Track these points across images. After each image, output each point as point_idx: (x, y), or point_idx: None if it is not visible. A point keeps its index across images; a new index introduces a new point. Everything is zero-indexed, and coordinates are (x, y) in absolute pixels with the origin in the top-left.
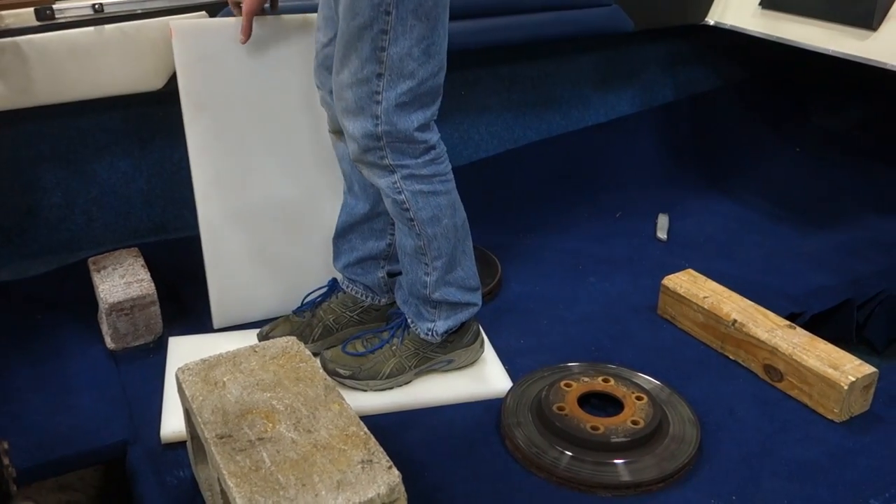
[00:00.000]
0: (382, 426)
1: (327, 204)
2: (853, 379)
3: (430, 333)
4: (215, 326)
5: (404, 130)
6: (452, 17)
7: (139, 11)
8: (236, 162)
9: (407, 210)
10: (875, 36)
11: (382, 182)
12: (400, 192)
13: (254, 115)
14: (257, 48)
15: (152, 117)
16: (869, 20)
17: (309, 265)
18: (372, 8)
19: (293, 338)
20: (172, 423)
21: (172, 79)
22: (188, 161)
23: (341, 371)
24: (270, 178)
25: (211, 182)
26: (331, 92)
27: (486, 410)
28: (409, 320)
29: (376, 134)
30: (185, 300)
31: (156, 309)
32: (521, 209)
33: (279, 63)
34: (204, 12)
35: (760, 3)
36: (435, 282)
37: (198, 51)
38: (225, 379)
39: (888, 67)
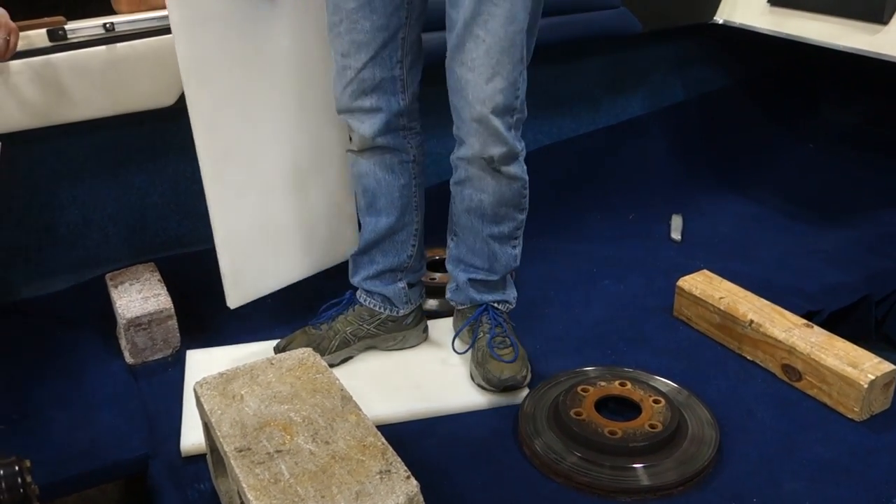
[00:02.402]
0: (400, 435)
1: (333, 167)
2: (873, 377)
3: (514, 301)
4: (230, 306)
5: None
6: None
7: (150, 29)
8: (242, 130)
9: (525, 188)
10: (886, 30)
11: (516, 169)
12: (525, 173)
13: (256, 80)
14: (256, 7)
15: (165, 133)
16: (879, 15)
17: (318, 230)
18: (524, 10)
19: (309, 349)
20: (192, 437)
21: (183, 95)
22: (201, 172)
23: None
24: (276, 146)
25: (218, 158)
26: (369, 111)
27: (504, 417)
28: (495, 303)
29: (514, 125)
30: (201, 313)
31: (173, 323)
32: (534, 213)
33: (277, 21)
34: None
35: (769, 1)
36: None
37: (196, 12)
38: (243, 392)
39: None
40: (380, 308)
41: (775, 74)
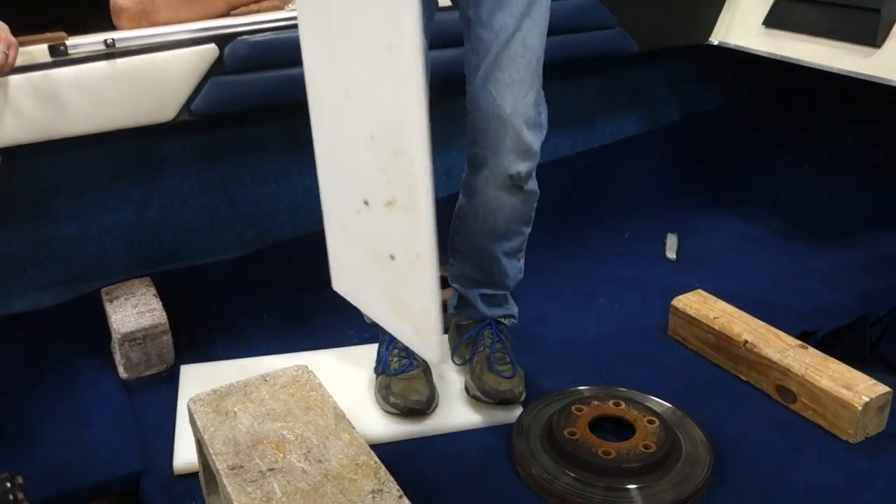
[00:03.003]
0: (393, 454)
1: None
2: (867, 399)
3: (517, 315)
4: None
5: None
6: (459, 44)
7: (150, 45)
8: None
9: (536, 201)
10: (879, 53)
11: (534, 184)
12: (538, 187)
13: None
14: None
15: (163, 148)
16: (872, 38)
17: None
18: (547, 24)
19: (304, 366)
20: (185, 454)
21: (182, 110)
22: (198, 190)
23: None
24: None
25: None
26: None
27: (497, 436)
28: (502, 318)
29: (539, 140)
30: (196, 329)
31: (168, 338)
32: (532, 231)
33: None
34: (214, 44)
35: (764, 22)
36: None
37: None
38: (236, 409)
39: (893, 84)
40: None
41: (770, 95)
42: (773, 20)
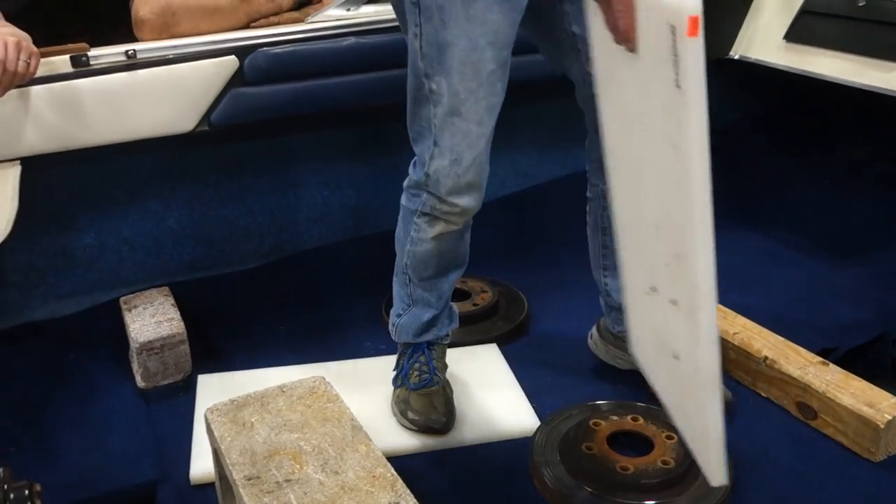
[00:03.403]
0: (410, 467)
1: None
2: (890, 417)
3: None
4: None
5: None
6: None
7: (171, 56)
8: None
9: None
10: None
11: None
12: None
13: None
14: None
15: (183, 158)
16: (895, 53)
17: None
18: None
19: (321, 377)
20: (202, 464)
21: (202, 121)
22: (217, 201)
23: None
24: None
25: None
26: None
27: (515, 450)
28: None
29: None
30: (213, 338)
31: (185, 348)
32: (547, 245)
33: None
34: (234, 56)
35: (785, 37)
36: None
37: None
38: (253, 420)
39: None
40: (447, 338)
41: (790, 110)
42: (795, 35)
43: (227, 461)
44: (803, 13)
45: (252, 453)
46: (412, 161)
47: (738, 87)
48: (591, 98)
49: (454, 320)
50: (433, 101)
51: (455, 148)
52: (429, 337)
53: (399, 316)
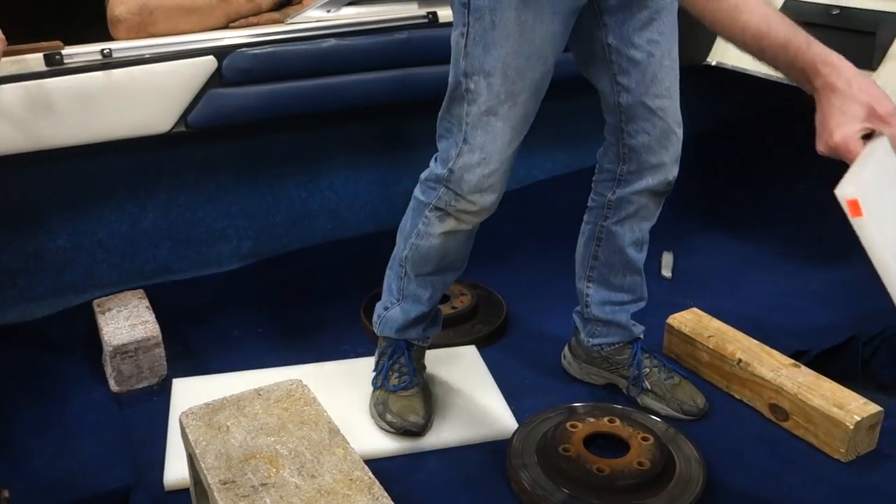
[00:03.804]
0: (387, 470)
1: None
2: (859, 418)
3: None
4: None
5: None
6: None
7: (147, 56)
8: None
9: None
10: (874, 76)
11: None
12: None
13: None
14: None
15: (159, 159)
16: (868, 61)
17: None
18: None
19: (298, 380)
20: (176, 468)
21: (179, 121)
22: (193, 203)
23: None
24: None
25: None
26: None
27: (492, 452)
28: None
29: None
30: (189, 341)
31: (160, 351)
32: (527, 248)
33: None
34: (212, 56)
35: None
36: None
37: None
38: (229, 423)
39: None
40: (426, 341)
41: (767, 116)
42: None
43: (202, 465)
44: None
45: (227, 457)
46: (434, 156)
47: (715, 94)
48: (616, 108)
49: (438, 324)
50: (468, 100)
51: (486, 147)
52: (411, 335)
53: (387, 309)
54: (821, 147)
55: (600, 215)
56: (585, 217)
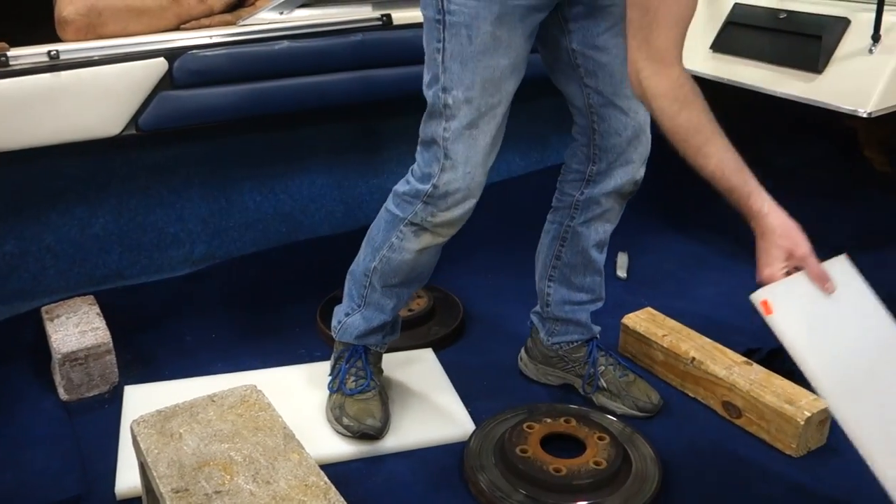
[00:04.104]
0: (344, 474)
1: None
2: (809, 414)
3: None
4: None
5: None
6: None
7: (96, 58)
8: None
9: None
10: (820, 78)
11: None
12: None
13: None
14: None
15: (109, 163)
16: (814, 64)
17: None
18: None
19: (252, 385)
20: (127, 478)
21: (129, 124)
22: (145, 207)
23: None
24: None
25: None
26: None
27: (450, 454)
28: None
29: None
30: (142, 348)
31: (111, 358)
32: (483, 250)
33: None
34: (163, 58)
35: (711, 47)
36: None
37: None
38: (181, 430)
39: (833, 108)
40: (384, 346)
41: (719, 118)
42: (721, 45)
43: (154, 474)
44: (728, 24)
45: (180, 465)
46: (410, 170)
47: None
48: (587, 110)
49: (397, 331)
50: (447, 115)
51: (470, 160)
52: (371, 341)
53: (347, 315)
54: (757, 278)
55: (567, 215)
56: (550, 217)
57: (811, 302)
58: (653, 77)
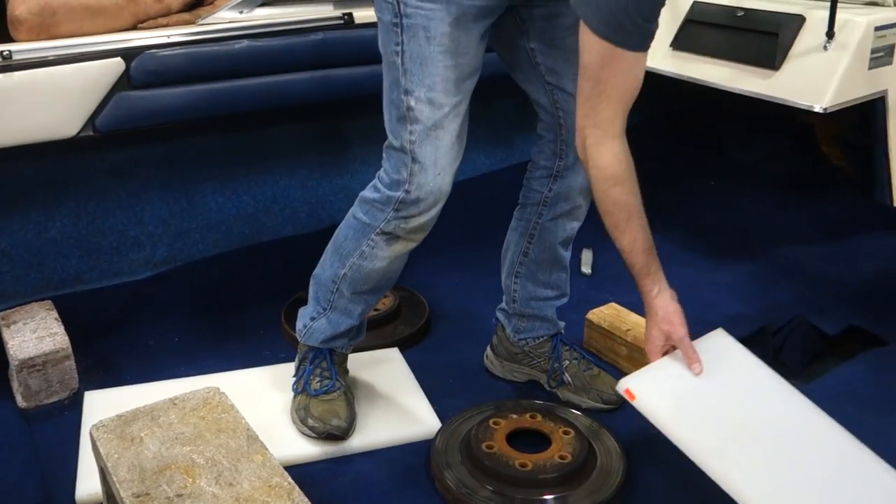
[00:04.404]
0: (311, 474)
1: None
2: None
3: None
4: None
5: None
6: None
7: (51, 58)
8: None
9: None
10: (777, 75)
11: None
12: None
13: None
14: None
15: (66, 165)
16: (771, 61)
17: None
18: None
19: (215, 387)
20: (88, 484)
21: (86, 125)
22: (104, 210)
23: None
24: None
25: None
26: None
27: (416, 453)
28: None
29: None
30: (102, 353)
31: (70, 364)
32: (450, 249)
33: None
34: (119, 58)
35: (672, 45)
36: None
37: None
38: (142, 434)
39: (790, 104)
40: (350, 348)
41: (680, 115)
42: (680, 43)
43: (115, 479)
44: (687, 22)
45: (141, 469)
46: (377, 176)
47: None
48: (552, 106)
49: (363, 333)
50: (410, 119)
51: (439, 161)
52: (337, 344)
53: (313, 319)
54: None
55: (535, 212)
56: (517, 214)
57: (683, 378)
58: (596, 146)
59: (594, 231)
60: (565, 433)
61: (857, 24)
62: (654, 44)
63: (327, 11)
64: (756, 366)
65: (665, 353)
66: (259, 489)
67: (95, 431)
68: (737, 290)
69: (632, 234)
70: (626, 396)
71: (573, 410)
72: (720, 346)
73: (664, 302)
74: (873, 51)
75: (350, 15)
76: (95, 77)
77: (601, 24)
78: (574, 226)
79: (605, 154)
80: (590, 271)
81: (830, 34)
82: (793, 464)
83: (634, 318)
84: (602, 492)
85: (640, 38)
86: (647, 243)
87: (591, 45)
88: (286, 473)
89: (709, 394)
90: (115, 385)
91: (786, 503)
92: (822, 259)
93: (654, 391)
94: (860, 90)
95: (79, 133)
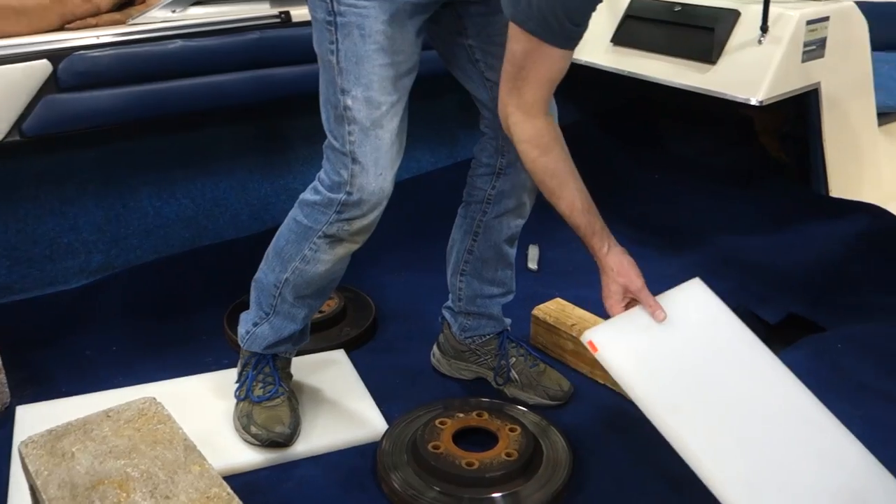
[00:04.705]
0: (254, 483)
1: None
2: None
3: None
4: None
5: None
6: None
7: None
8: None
9: None
10: (714, 69)
11: None
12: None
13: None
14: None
15: None
16: (708, 55)
17: None
18: None
19: (151, 397)
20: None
21: (12, 130)
22: (35, 217)
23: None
24: None
25: None
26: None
27: (362, 455)
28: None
29: None
30: (35, 365)
31: (1, 377)
32: (394, 247)
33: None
34: (46, 60)
35: (612, 40)
36: None
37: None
38: (74, 449)
39: (727, 97)
40: (293, 352)
41: (621, 110)
42: (620, 38)
43: (44, 497)
44: (627, 17)
45: (72, 486)
46: (317, 178)
47: (573, 90)
48: (492, 102)
49: (307, 336)
50: (348, 118)
51: (380, 161)
52: (281, 350)
53: (256, 325)
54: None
55: (479, 210)
56: (461, 211)
57: (649, 330)
58: (520, 124)
59: (540, 227)
60: (512, 430)
61: (789, 17)
62: (594, 39)
63: (264, 10)
64: (728, 320)
65: (627, 307)
66: (196, 501)
67: (24, 448)
68: (680, 281)
69: (568, 198)
70: (589, 348)
71: (520, 407)
72: (694, 296)
73: (616, 257)
74: (806, 44)
75: (287, 13)
76: (20, 80)
77: (529, 19)
78: (518, 223)
79: (528, 129)
80: (536, 267)
81: (764, 28)
82: (752, 425)
83: (580, 313)
84: (550, 486)
85: (565, 39)
86: (586, 204)
87: (517, 35)
88: (225, 483)
89: (674, 346)
90: (49, 398)
91: (736, 465)
92: (762, 249)
93: (618, 343)
94: (794, 83)
95: (4, 138)
